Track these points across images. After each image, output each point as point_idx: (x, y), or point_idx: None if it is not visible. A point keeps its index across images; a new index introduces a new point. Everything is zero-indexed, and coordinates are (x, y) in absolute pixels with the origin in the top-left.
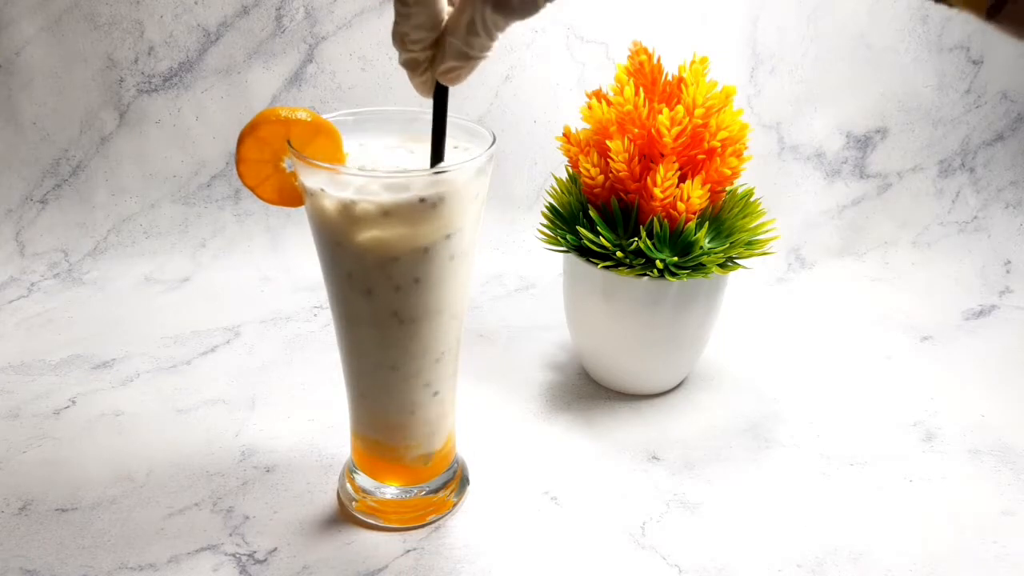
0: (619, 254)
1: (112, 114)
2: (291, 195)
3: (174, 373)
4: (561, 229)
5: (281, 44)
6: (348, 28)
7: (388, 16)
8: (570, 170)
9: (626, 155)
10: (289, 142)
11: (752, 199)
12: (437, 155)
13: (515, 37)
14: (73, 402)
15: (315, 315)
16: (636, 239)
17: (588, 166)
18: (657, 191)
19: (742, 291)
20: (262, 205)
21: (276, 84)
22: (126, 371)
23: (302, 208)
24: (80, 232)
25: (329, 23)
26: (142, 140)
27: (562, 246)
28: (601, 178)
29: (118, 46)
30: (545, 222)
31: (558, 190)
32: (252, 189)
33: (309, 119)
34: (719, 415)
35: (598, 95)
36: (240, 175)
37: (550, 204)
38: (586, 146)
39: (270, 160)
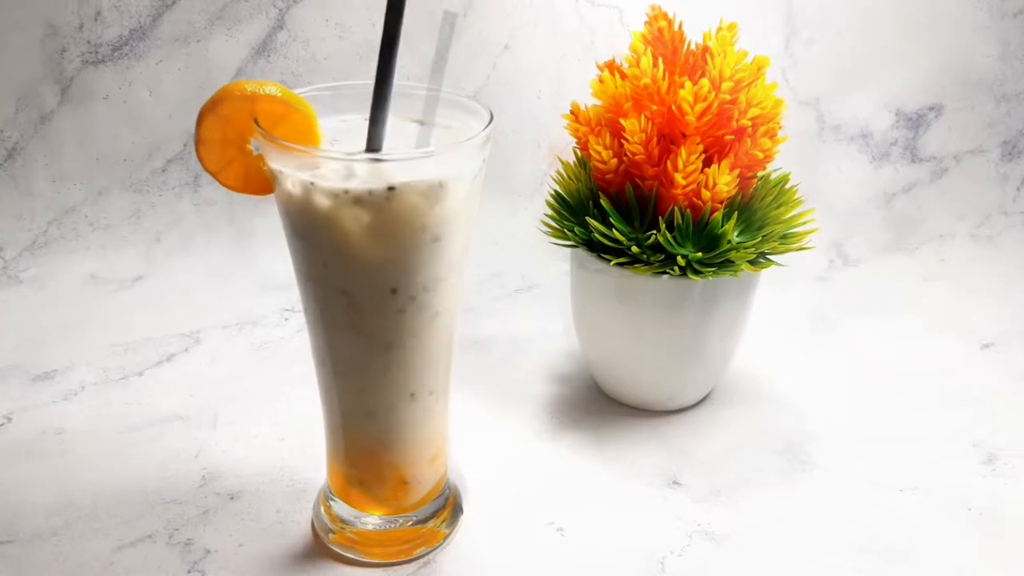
0: (635, 249)
1: (53, 89)
2: (258, 181)
3: (124, 386)
4: (568, 221)
5: (247, 8)
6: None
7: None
8: (579, 153)
9: (643, 135)
10: (256, 121)
11: (787, 186)
12: (376, 125)
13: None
14: (8, 419)
15: (286, 319)
16: (654, 232)
17: (599, 148)
18: (679, 177)
19: (776, 292)
20: (225, 193)
21: (241, 54)
22: (70, 383)
23: (271, 197)
24: (17, 225)
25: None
26: (87, 119)
27: (569, 240)
28: (614, 162)
29: (60, 11)
30: (550, 212)
31: (565, 176)
32: (214, 175)
33: (279, 94)
34: (749, 434)
35: (611, 67)
36: (200, 158)
37: (555, 192)
38: (597, 125)
39: (234, 141)
